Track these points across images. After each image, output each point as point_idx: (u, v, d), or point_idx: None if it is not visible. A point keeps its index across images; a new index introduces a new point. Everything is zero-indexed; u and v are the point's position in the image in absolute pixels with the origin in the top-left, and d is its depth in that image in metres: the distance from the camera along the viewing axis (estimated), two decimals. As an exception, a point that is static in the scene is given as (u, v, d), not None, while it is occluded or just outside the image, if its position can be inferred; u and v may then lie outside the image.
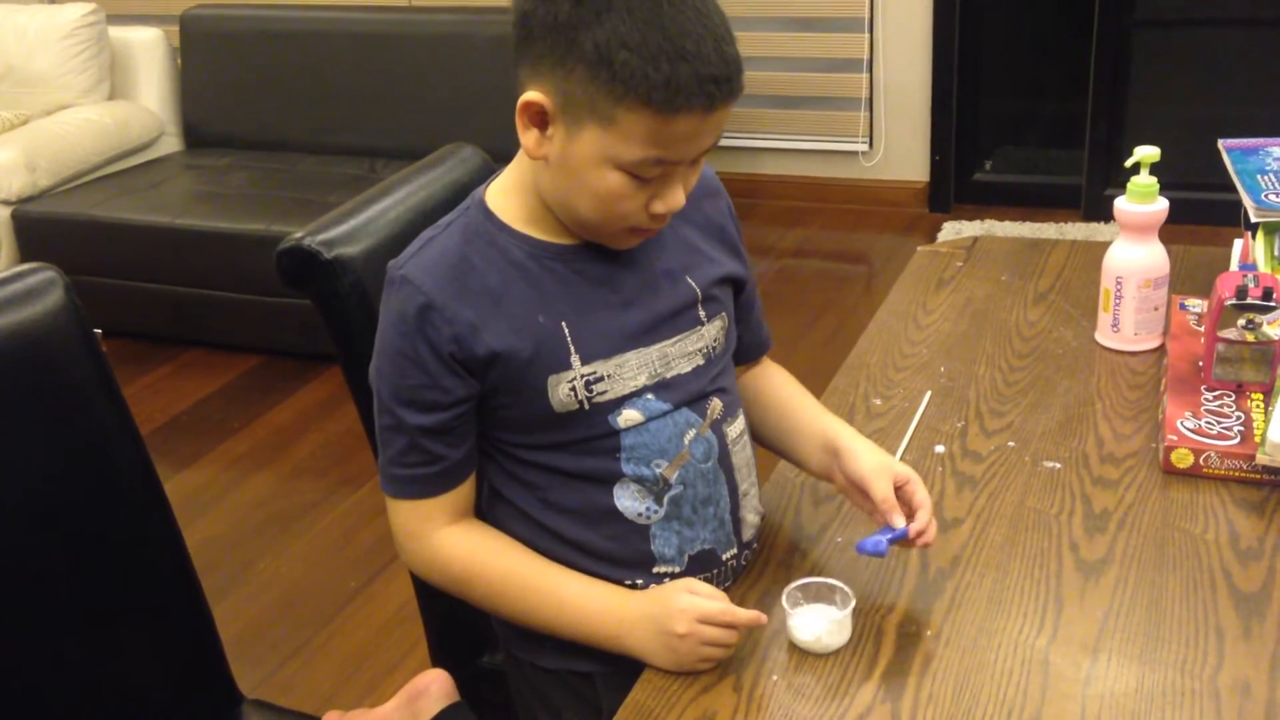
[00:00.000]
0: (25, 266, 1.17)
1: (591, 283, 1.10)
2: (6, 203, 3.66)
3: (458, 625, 1.44)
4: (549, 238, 1.10)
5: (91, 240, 3.56)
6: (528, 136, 1.03)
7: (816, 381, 1.60)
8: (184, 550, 1.28)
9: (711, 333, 1.16)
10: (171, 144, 4.21)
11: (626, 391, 1.10)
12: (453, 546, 1.13)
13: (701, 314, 1.15)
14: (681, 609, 1.04)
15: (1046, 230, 3.97)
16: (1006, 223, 4.08)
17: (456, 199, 1.44)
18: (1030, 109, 4.69)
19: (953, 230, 4.05)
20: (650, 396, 1.11)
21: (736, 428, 1.18)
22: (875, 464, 1.13)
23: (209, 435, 3.10)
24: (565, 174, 1.03)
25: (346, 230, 1.28)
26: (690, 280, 1.15)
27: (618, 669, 1.08)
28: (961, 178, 4.32)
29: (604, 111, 0.98)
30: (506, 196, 1.11)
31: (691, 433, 1.13)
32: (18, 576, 1.12)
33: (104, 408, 1.20)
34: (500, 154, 1.57)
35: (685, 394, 1.13)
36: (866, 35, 4.12)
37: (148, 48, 4.20)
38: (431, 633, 1.49)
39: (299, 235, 1.26)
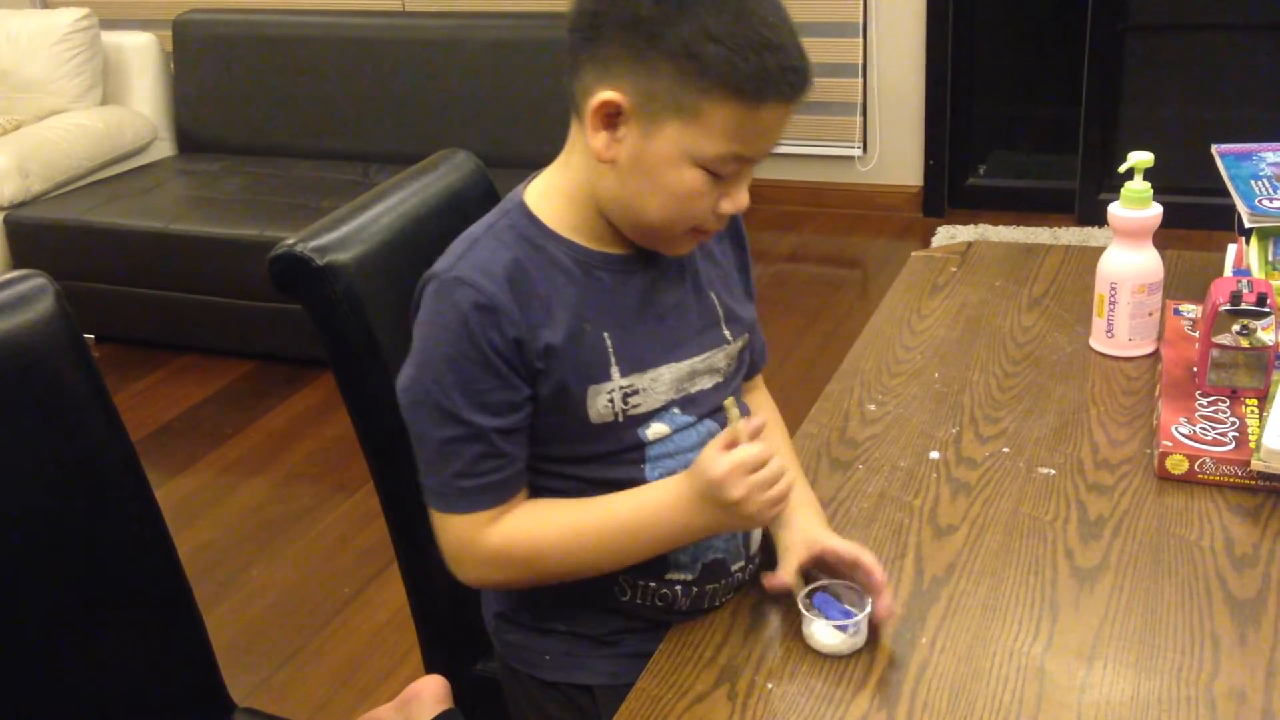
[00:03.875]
0: (16, 273, 1.16)
1: (635, 294, 1.10)
2: (-1, 208, 3.66)
3: (452, 632, 1.43)
4: (595, 245, 1.09)
5: (84, 245, 3.55)
6: (598, 139, 1.02)
7: (811, 386, 1.60)
8: (175, 557, 1.27)
9: (733, 351, 1.17)
10: (164, 149, 4.20)
11: (657, 405, 1.10)
12: (507, 536, 1.09)
13: (726, 333, 1.16)
14: (725, 474, 1.02)
15: (1040, 235, 3.97)
16: (1000, 227, 4.08)
17: (450, 205, 1.45)
18: (1023, 113, 4.70)
19: (947, 235, 4.05)
20: (676, 411, 1.12)
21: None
22: (855, 546, 1.11)
23: (202, 441, 3.09)
24: (638, 174, 1.02)
25: (339, 236, 1.28)
26: (714, 296, 1.16)
27: (618, 682, 1.07)
28: (955, 182, 4.32)
29: (688, 106, 0.98)
30: (550, 201, 1.10)
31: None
32: (7, 584, 1.11)
33: (95, 415, 1.19)
34: (493, 159, 1.57)
35: (707, 407, 1.14)
36: (860, 40, 4.12)
37: (140, 52, 4.19)
38: (425, 639, 1.48)
39: (291, 241, 1.26)
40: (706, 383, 1.14)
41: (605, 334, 1.07)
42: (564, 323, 1.06)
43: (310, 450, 3.01)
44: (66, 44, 4.02)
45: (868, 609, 1.06)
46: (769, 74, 0.97)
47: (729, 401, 1.05)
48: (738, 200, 1.05)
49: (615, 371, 1.08)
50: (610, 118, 1.01)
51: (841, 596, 1.08)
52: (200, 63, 4.13)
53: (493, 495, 1.08)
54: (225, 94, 4.11)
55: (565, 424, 1.08)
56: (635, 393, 1.09)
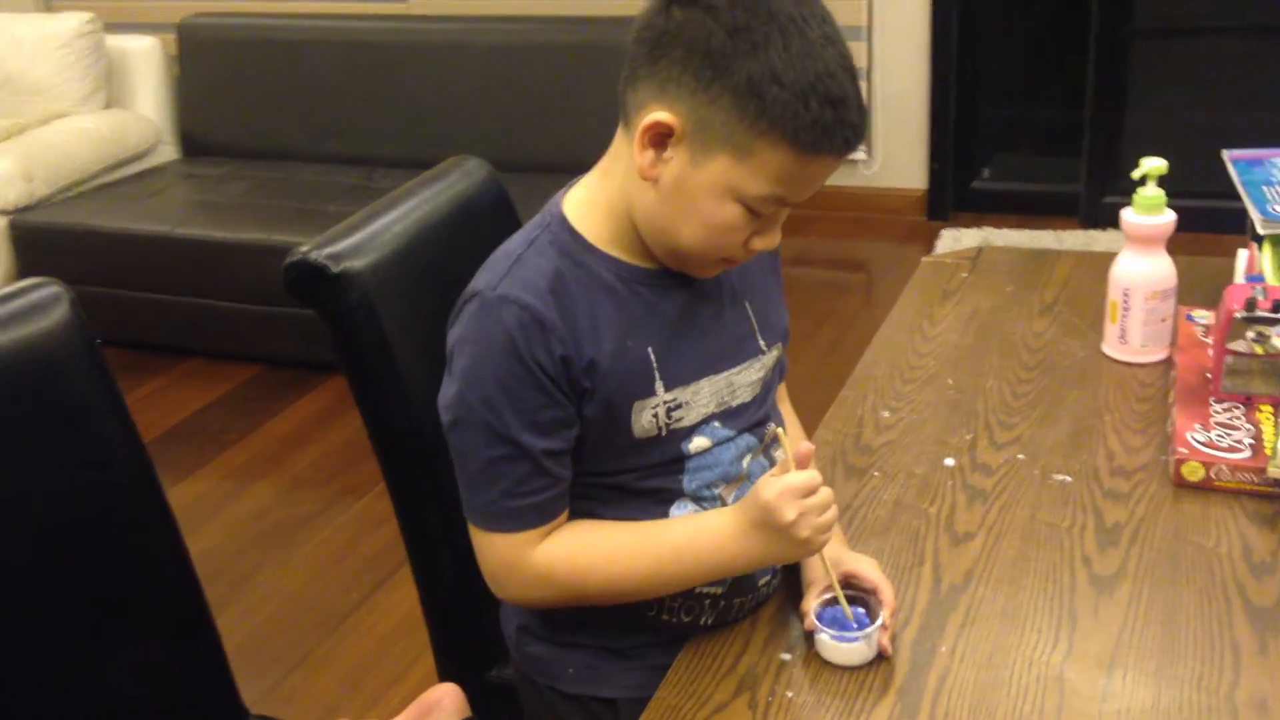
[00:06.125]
0: (30, 281, 1.16)
1: (674, 308, 1.09)
2: (4, 212, 3.64)
3: (465, 637, 1.43)
4: (634, 260, 1.08)
5: (89, 249, 3.55)
6: (645, 156, 1.01)
7: (818, 391, 1.60)
8: (189, 563, 1.27)
9: (769, 361, 1.17)
10: (169, 153, 4.20)
11: (699, 419, 1.10)
12: (552, 555, 1.09)
13: (761, 343, 1.16)
14: (777, 498, 1.02)
15: (1044, 238, 3.97)
16: (1005, 230, 4.08)
17: (461, 212, 1.45)
18: (1027, 117, 4.69)
19: (951, 238, 4.05)
20: (717, 424, 1.12)
21: (779, 457, 1.18)
22: (878, 571, 1.12)
23: (207, 446, 3.09)
24: (677, 199, 1.01)
25: (353, 243, 1.28)
26: (748, 307, 1.15)
27: (641, 694, 1.07)
28: (960, 186, 4.32)
29: (742, 143, 0.97)
30: (590, 214, 1.09)
31: (749, 456, 1.14)
32: (23, 589, 1.11)
33: (109, 421, 1.19)
34: (500, 163, 1.57)
35: (746, 421, 1.14)
36: (865, 44, 4.12)
37: (144, 56, 4.19)
38: (438, 644, 1.48)
39: (306, 249, 1.25)
40: (746, 395, 1.14)
41: (649, 349, 1.07)
42: (607, 339, 1.05)
43: (317, 455, 3.01)
44: (71, 48, 4.02)
45: (879, 622, 1.06)
46: (826, 127, 0.96)
47: (780, 431, 1.05)
48: (770, 240, 1.05)
49: (659, 386, 1.07)
50: (660, 137, 1.00)
51: (855, 604, 1.09)
52: (205, 66, 4.13)
53: (538, 515, 1.08)
54: (229, 97, 4.11)
55: (610, 440, 1.08)
56: (678, 406, 1.09)
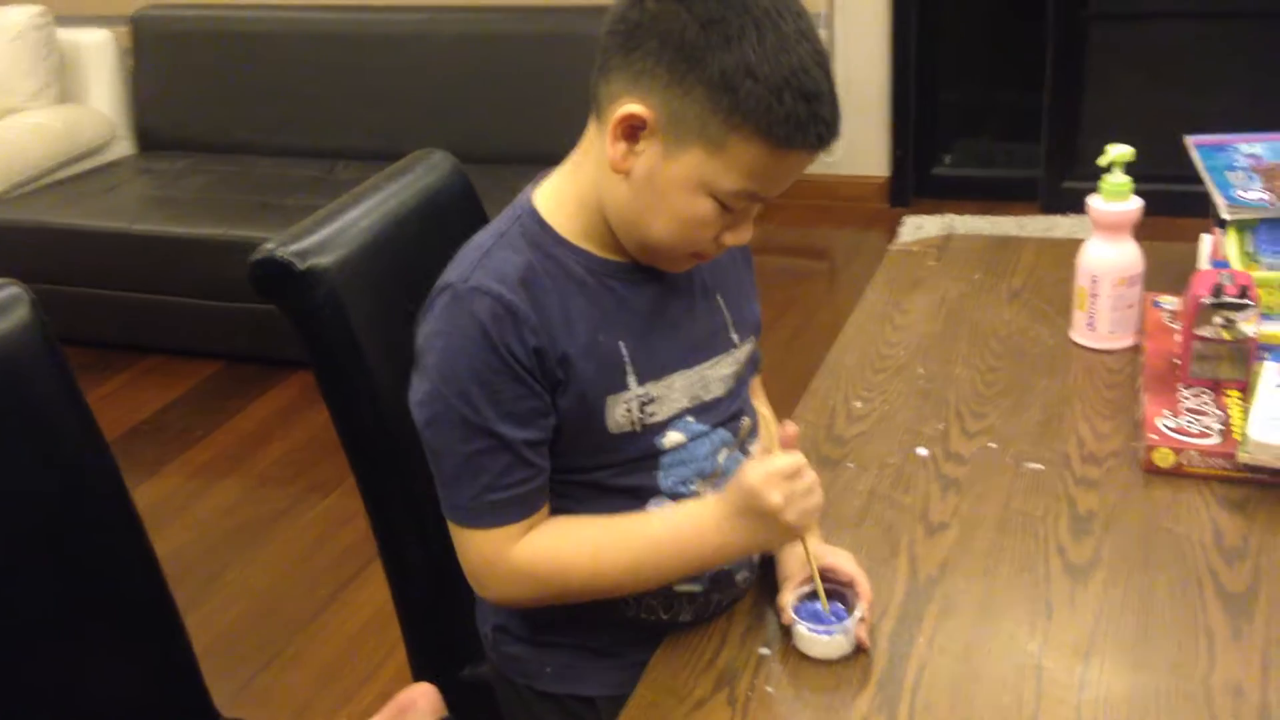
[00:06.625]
0: (-11, 282, 1.14)
1: (645, 302, 1.09)
2: (-44, 209, 3.59)
3: (439, 635, 1.42)
4: (605, 254, 1.07)
5: (45, 247, 3.49)
6: (617, 149, 1.00)
7: (782, 379, 1.60)
8: (156, 564, 1.25)
9: (742, 355, 1.17)
10: (124, 148, 4.14)
11: (672, 413, 1.10)
12: (533, 551, 1.07)
13: (734, 336, 1.16)
14: (763, 482, 1.01)
15: (1006, 224, 3.99)
16: (966, 216, 4.09)
17: (428, 206, 1.44)
18: (987, 102, 4.71)
19: (914, 225, 4.06)
20: (690, 419, 1.11)
21: (757, 448, 1.18)
22: (854, 564, 1.12)
23: (170, 444, 3.05)
24: (649, 192, 1.01)
25: (319, 240, 1.26)
26: (720, 300, 1.15)
27: (620, 692, 1.06)
28: (921, 172, 4.33)
29: (715, 137, 0.96)
30: (561, 207, 1.08)
31: (725, 451, 1.14)
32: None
33: (72, 423, 1.17)
34: (462, 155, 1.56)
35: (720, 415, 1.14)
36: (825, 31, 4.12)
37: (97, 49, 4.13)
38: (411, 643, 1.47)
39: (271, 246, 1.24)
40: (719, 389, 1.14)
41: (620, 343, 1.06)
42: (579, 332, 1.04)
43: (282, 451, 2.98)
44: (21, 41, 3.95)
45: (856, 614, 1.05)
46: (800, 122, 0.96)
47: (763, 415, 1.04)
48: (741, 235, 1.05)
49: (632, 380, 1.07)
50: (633, 130, 0.99)
51: (832, 597, 1.08)
52: (160, 59, 4.08)
53: (520, 508, 1.06)
54: (186, 90, 4.06)
55: (584, 435, 1.07)
56: (651, 401, 1.08)
